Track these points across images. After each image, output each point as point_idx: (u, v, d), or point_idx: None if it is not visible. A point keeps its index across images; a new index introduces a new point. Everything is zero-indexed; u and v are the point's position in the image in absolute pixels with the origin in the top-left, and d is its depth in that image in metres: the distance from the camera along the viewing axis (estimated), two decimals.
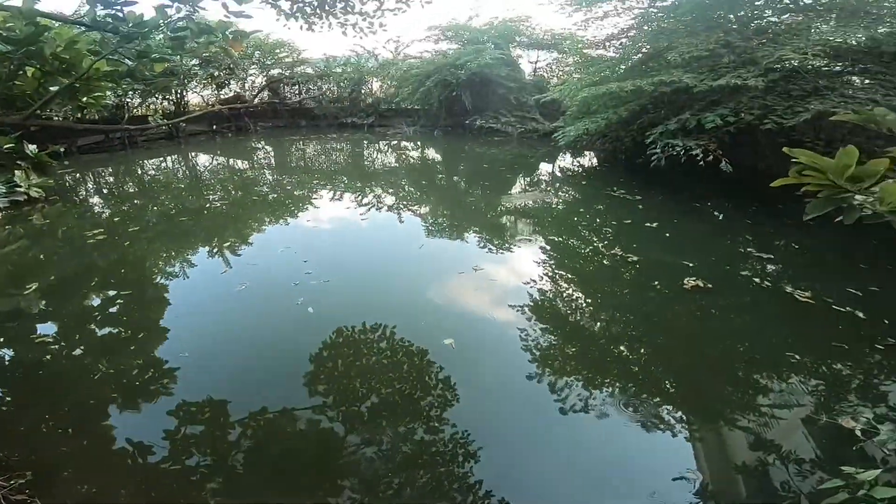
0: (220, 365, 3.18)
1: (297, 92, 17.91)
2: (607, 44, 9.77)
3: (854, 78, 6.60)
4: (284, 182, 9.00)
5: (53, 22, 3.23)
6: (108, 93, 9.57)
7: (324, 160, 11.83)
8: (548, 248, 5.39)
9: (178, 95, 15.16)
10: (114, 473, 2.28)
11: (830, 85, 6.12)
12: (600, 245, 5.38)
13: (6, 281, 4.52)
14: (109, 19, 3.06)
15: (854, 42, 6.63)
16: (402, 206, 7.26)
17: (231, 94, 16.61)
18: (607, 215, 6.56)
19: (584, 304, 4.11)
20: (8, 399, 2.83)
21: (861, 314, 3.67)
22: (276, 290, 4.27)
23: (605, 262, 4.90)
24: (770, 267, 4.71)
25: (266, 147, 13.68)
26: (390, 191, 8.26)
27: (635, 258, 4.88)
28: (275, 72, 17.01)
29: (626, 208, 6.80)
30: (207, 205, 7.33)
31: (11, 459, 2.25)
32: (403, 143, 14.02)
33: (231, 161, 11.60)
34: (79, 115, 9.76)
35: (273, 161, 11.75)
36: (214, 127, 15.35)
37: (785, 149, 1.38)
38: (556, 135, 9.69)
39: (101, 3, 2.94)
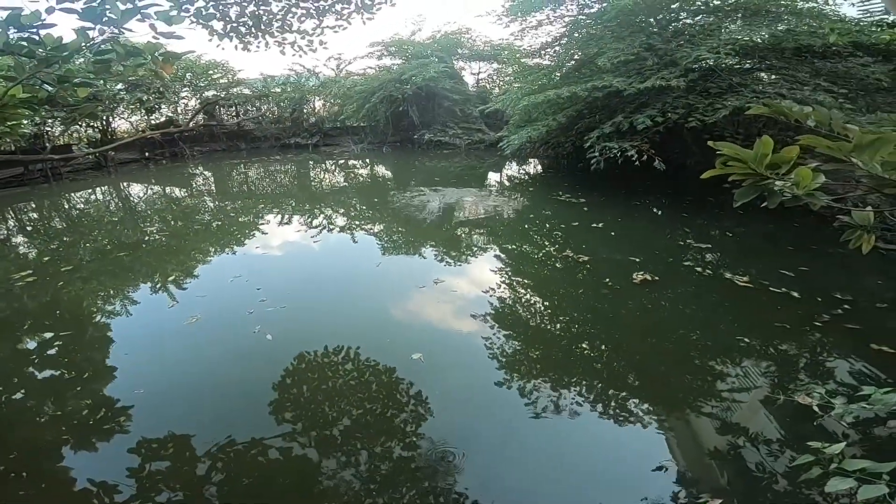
0: (177, 399, 3.01)
1: (234, 114, 17.35)
2: (543, 52, 10.16)
3: (762, 74, 7.24)
4: (228, 209, 8.67)
5: None
6: (25, 121, 8.86)
7: (268, 183, 11.51)
8: (503, 255, 5.51)
9: (105, 122, 14.30)
10: None
11: (743, 82, 6.69)
12: (552, 248, 5.57)
13: None
14: (24, 42, 2.84)
15: (759, 40, 7.28)
16: (354, 225, 7.20)
17: (163, 118, 15.84)
18: (555, 219, 6.79)
19: (543, 308, 4.22)
20: None
21: (796, 294, 4.00)
22: (230, 320, 4.09)
23: (557, 264, 5.07)
24: (709, 256, 5.05)
25: (205, 173, 13.13)
26: (341, 211, 8.16)
27: (586, 258, 5.08)
28: (209, 94, 16.41)
29: (573, 211, 7.08)
30: (146, 237, 6.91)
31: None
32: (351, 162, 13.91)
33: (168, 189, 11.04)
34: None
35: (213, 187, 11.29)
36: (147, 154, 14.55)
37: (710, 142, 1.51)
38: (502, 144, 9.95)
39: (14, 27, 2.74)
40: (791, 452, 2.35)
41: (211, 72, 16.01)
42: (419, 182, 10.36)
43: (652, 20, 8.29)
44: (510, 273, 4.98)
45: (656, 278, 4.43)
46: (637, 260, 4.93)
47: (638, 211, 7.06)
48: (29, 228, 8.02)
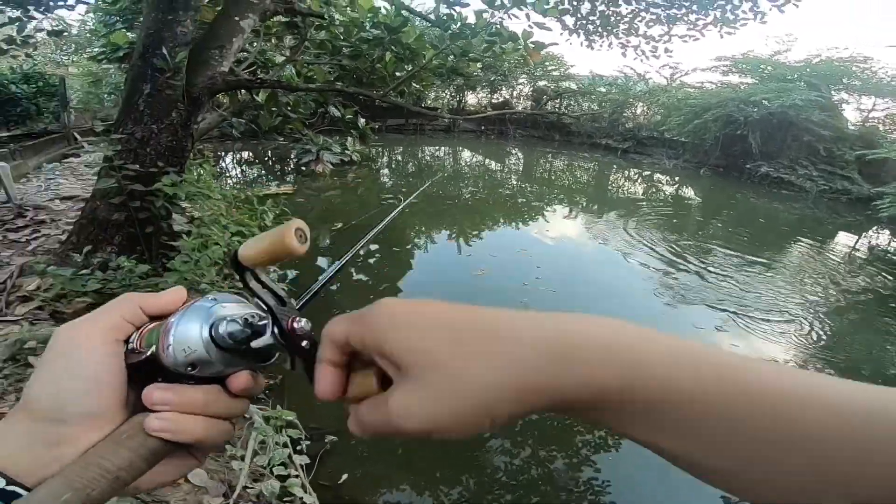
0: None
1: (557, 106, 18.42)
2: None
3: None
4: (527, 190, 9.47)
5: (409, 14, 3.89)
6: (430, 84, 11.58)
7: (568, 177, 11.94)
8: (817, 343, 4.19)
9: (461, 94, 17.44)
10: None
11: None
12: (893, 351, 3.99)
13: (319, 216, 6.06)
14: (445, 17, 3.55)
15: None
16: (638, 242, 6.74)
17: (500, 99, 18.21)
18: None
19: None
20: None
21: None
22: (508, 283, 4.56)
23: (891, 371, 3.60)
24: None
25: (518, 154, 14.62)
26: (631, 223, 7.77)
27: None
28: (541, 83, 17.80)
29: None
30: (461, 194, 8.30)
31: None
32: (657, 176, 12.98)
33: (487, 161, 12.82)
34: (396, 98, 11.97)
35: (521, 168, 12.48)
36: (482, 127, 17.18)
37: None
38: (879, 202, 7.49)
39: (445, 2, 3.46)
40: None
41: (547, 63, 17.17)
42: (737, 216, 8.88)
43: None
44: (814, 355, 3.81)
45: None
46: None
47: None
48: (393, 166, 10.76)
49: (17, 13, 3.02)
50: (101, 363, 0.34)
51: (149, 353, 0.34)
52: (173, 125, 2.64)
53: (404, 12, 3.79)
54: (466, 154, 13.51)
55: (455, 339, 0.27)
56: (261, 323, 0.35)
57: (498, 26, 3.63)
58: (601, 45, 5.95)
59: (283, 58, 4.02)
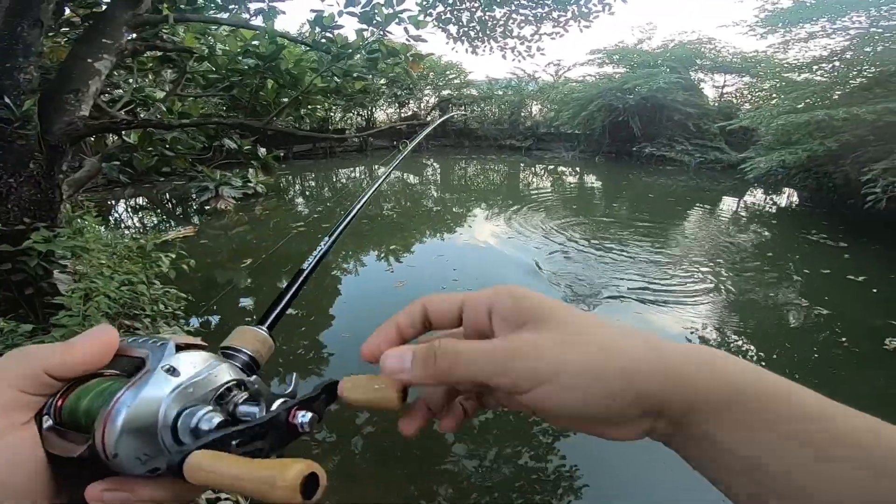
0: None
1: (462, 113, 19.09)
2: (815, 67, 8.41)
3: None
4: (446, 199, 9.72)
5: (285, 41, 3.92)
6: (320, 106, 11.39)
7: (482, 180, 12.41)
8: (720, 291, 4.76)
9: (369, 112, 17.50)
10: None
11: None
12: (783, 293, 4.63)
13: (229, 256, 5.80)
14: (324, 40, 3.62)
15: None
16: (551, 230, 7.19)
17: (410, 112, 18.51)
18: (799, 261, 5.57)
19: (753, 358, 3.57)
20: None
21: None
22: (426, 290, 4.65)
23: (787, 312, 4.22)
24: None
25: (434, 164, 14.91)
26: (541, 215, 8.25)
27: (825, 312, 4.15)
28: (445, 92, 18.39)
29: (825, 256, 5.70)
30: (382, 213, 8.33)
31: None
32: (560, 168, 13.87)
33: (405, 175, 12.93)
34: (295, 125, 11.77)
35: (439, 178, 12.76)
36: (395, 142, 17.30)
37: None
38: (744, 167, 8.60)
39: (319, 26, 3.53)
40: None
41: (448, 72, 17.64)
42: (631, 195, 9.75)
43: None
44: (723, 311, 4.34)
45: None
46: None
47: None
48: (307, 193, 10.54)
49: None
50: None
51: (81, 450, 0.25)
52: (34, 177, 2.45)
53: (282, 39, 3.77)
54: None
55: (598, 323, 0.28)
56: (248, 411, 0.28)
57: (378, 43, 3.72)
58: (483, 50, 6.25)
59: (164, 93, 3.85)
